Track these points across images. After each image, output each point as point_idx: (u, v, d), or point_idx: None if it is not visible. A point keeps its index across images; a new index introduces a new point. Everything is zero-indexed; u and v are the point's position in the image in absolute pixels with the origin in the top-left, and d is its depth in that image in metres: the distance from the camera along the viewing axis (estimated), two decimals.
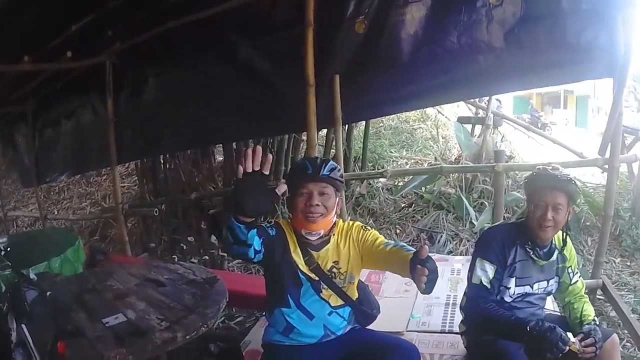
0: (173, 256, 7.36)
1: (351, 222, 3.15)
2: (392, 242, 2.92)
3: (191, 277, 3.82)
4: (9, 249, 3.64)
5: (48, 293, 3.16)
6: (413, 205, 8.16)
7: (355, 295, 3.11)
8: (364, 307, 3.16)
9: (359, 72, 5.20)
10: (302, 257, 2.94)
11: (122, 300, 3.47)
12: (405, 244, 2.83)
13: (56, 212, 11.57)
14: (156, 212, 7.65)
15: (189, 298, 3.38)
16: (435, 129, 11.87)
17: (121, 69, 6.70)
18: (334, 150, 6.66)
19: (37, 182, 9.81)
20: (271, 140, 8.07)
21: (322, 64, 5.11)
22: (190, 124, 6.41)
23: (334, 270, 2.98)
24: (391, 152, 10.40)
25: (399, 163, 9.93)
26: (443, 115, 12.79)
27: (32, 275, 3.26)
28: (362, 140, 8.91)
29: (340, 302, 3.02)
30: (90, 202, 12.26)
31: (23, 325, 2.89)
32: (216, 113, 6.07)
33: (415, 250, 2.45)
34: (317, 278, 2.94)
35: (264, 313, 3.58)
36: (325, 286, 2.96)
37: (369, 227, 3.12)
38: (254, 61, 5.60)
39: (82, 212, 11.79)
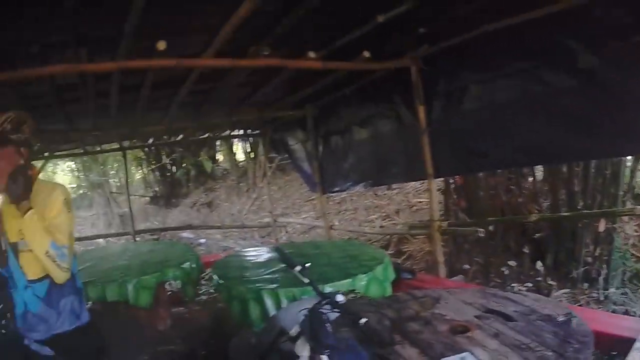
0: (507, 284, 7.26)
1: None
2: None
3: (545, 311, 3.44)
4: (307, 264, 3.61)
5: (363, 320, 3.02)
6: None
7: None
8: None
9: None
10: None
11: (464, 335, 3.20)
12: None
13: (337, 223, 11.88)
14: (482, 233, 7.30)
15: (551, 338, 3.00)
16: None
17: (430, 74, 6.57)
18: None
19: (322, 190, 10.13)
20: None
21: None
22: (520, 139, 5.98)
23: None
24: None
25: None
26: None
27: (339, 297, 3.15)
28: None
29: None
30: (380, 216, 12.51)
31: (324, 357, 2.83)
32: (552, 128, 5.63)
33: None
34: None
35: None
36: None
37: None
38: (597, 71, 5.13)
39: (370, 225, 12.11)
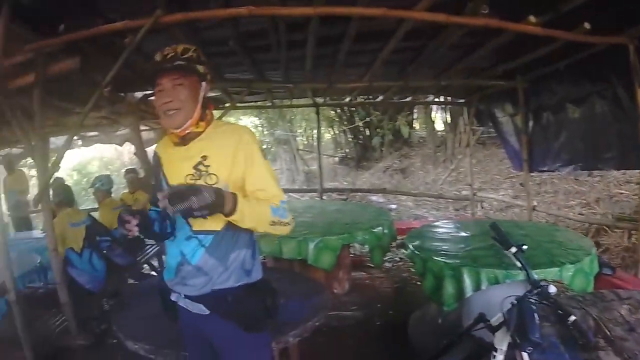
0: None
1: None
2: None
3: None
4: (524, 246, 3.54)
5: (572, 317, 2.93)
6: None
7: None
8: None
9: None
10: None
11: None
12: None
13: (535, 204, 11.57)
14: None
15: None
16: None
17: None
18: None
19: (528, 167, 9.88)
20: None
21: None
22: None
23: None
24: None
25: None
26: None
27: (551, 288, 3.07)
28: None
29: None
30: (580, 203, 12.23)
31: (525, 355, 2.79)
32: None
33: None
34: None
35: None
36: None
37: None
38: None
39: (569, 211, 11.87)
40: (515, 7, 5.56)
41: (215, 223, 2.91)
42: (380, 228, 6.97)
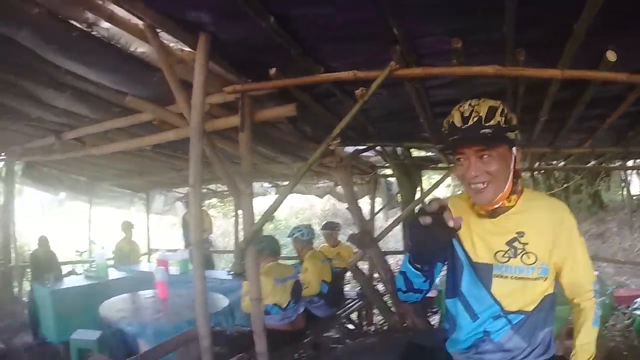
0: None
1: None
2: None
3: None
4: None
5: None
6: None
7: None
8: None
9: None
10: None
11: None
12: None
13: None
14: None
15: None
16: None
17: None
18: None
19: None
20: None
21: None
22: None
23: None
24: None
25: None
26: None
27: None
28: None
29: None
30: None
31: None
32: None
33: None
34: None
35: None
36: None
37: None
38: None
39: None
40: None
41: (531, 303, 2.59)
42: (603, 298, 6.39)
